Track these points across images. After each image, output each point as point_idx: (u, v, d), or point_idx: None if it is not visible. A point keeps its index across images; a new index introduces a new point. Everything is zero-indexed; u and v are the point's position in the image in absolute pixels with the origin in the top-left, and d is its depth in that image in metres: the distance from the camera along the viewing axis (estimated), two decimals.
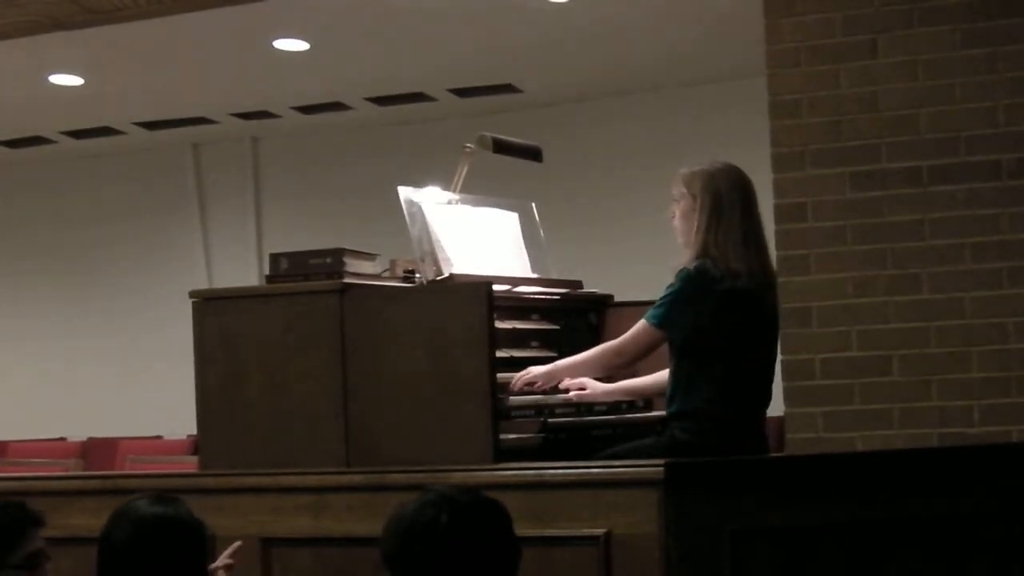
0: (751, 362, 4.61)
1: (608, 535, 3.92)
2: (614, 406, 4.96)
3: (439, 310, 4.40)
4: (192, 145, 12.06)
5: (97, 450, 10.57)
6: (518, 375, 4.70)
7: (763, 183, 5.47)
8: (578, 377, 4.76)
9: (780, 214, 6.13)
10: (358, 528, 4.16)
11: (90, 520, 3.73)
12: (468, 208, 5.06)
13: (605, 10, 8.62)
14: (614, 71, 10.06)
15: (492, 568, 2.86)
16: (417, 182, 4.99)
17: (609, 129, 10.71)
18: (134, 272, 12.21)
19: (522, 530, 2.98)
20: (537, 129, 8.43)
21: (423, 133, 10.99)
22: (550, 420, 4.65)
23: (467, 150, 5.02)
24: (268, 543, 4.31)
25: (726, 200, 4.61)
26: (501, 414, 4.43)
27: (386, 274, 4.91)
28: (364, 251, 4.84)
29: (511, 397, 4.64)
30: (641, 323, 4.60)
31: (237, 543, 3.90)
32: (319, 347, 4.50)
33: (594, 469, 4.08)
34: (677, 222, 4.69)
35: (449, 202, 4.99)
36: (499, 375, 4.43)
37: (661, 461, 3.97)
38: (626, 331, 4.67)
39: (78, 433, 11.41)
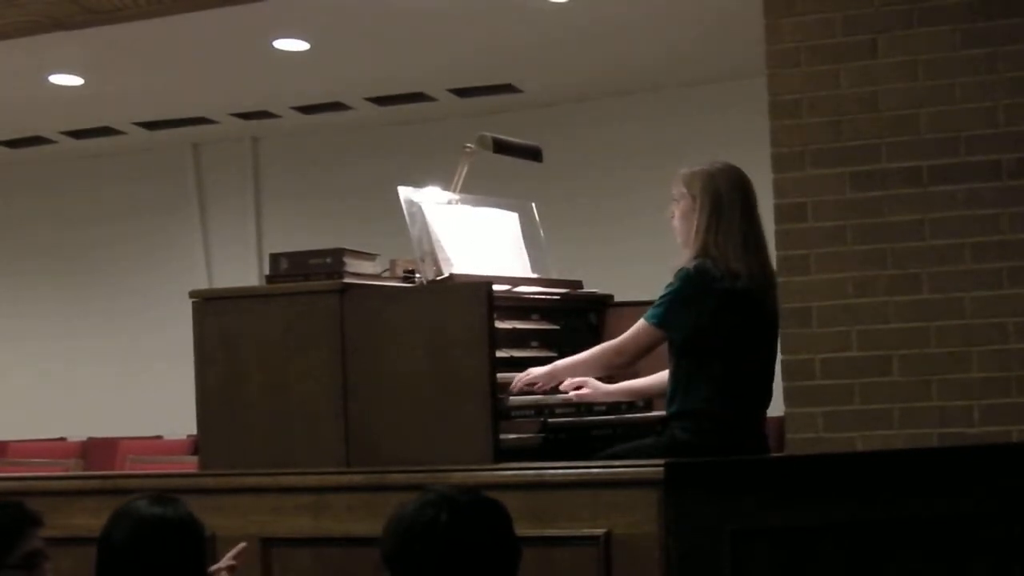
0: (751, 363, 4.61)
1: (608, 535, 3.92)
2: (614, 406, 4.96)
3: (439, 310, 4.40)
4: (192, 145, 12.06)
5: (97, 450, 10.57)
6: (519, 376, 4.70)
7: (763, 183, 5.47)
8: (578, 377, 4.76)
9: (780, 214, 6.13)
10: (358, 528, 4.16)
11: (90, 520, 3.73)
12: (468, 208, 5.06)
13: (605, 10, 8.62)
14: (614, 71, 10.06)
15: (492, 568, 2.86)
16: (417, 182, 4.99)
17: (609, 129, 10.71)
18: (134, 272, 12.21)
19: (522, 530, 2.98)
20: (537, 129, 8.43)
21: (423, 133, 10.99)
22: (550, 420, 4.65)
23: (467, 150, 5.02)
24: (268, 543, 4.31)
25: (726, 200, 4.60)
26: (501, 414, 4.43)
27: (386, 274, 4.91)
28: (364, 251, 4.84)
29: (511, 397, 4.64)
30: (640, 323, 4.60)
31: (242, 544, 3.90)
32: (319, 347, 4.50)
33: (594, 469, 4.08)
34: (676, 222, 4.69)
35: (449, 202, 4.99)
36: (499, 375, 4.43)
37: (661, 461, 3.96)
38: (626, 331, 4.67)
39: (78, 433, 11.41)
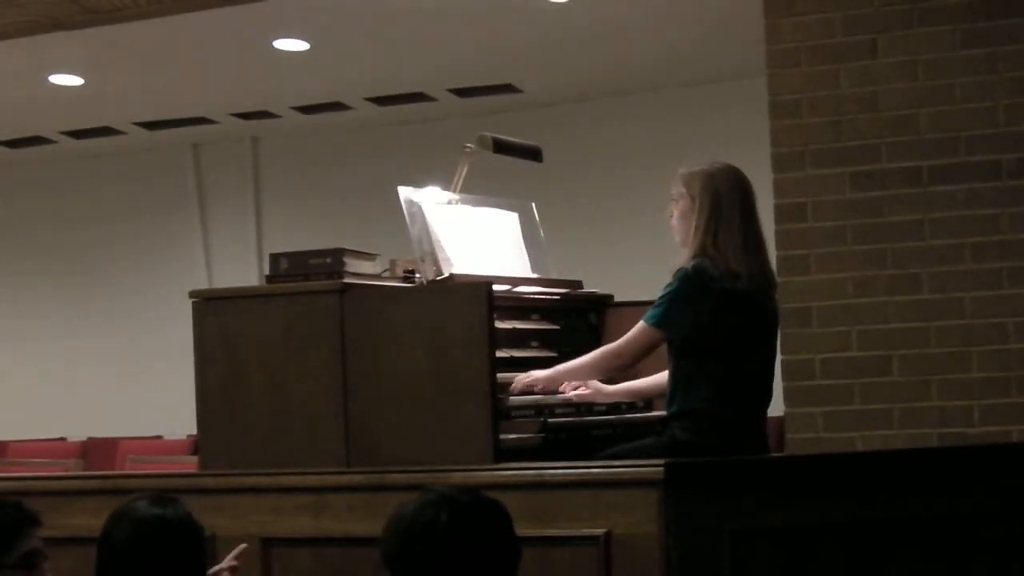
0: (751, 363, 4.61)
1: (608, 535, 3.92)
2: (614, 406, 4.95)
3: (439, 310, 4.39)
4: (192, 145, 12.06)
5: (97, 450, 10.57)
6: (520, 377, 4.70)
7: (763, 183, 5.47)
8: (579, 380, 4.76)
9: (780, 214, 6.14)
10: (358, 528, 4.16)
11: (90, 520, 3.73)
12: (468, 208, 5.06)
13: (605, 10, 8.62)
14: (614, 71, 10.06)
15: (492, 568, 2.86)
16: (417, 182, 4.98)
17: (609, 129, 10.71)
18: (134, 272, 12.21)
19: (522, 530, 2.98)
20: (537, 129, 8.43)
21: (423, 133, 10.99)
22: (550, 420, 4.65)
23: (467, 150, 5.02)
24: (268, 543, 4.31)
25: (725, 201, 4.60)
26: (501, 414, 4.43)
27: (386, 274, 4.90)
28: (364, 251, 4.83)
29: (511, 397, 4.63)
30: (640, 324, 4.60)
31: (242, 546, 3.90)
32: (319, 347, 4.49)
33: (594, 469, 4.08)
34: (675, 222, 4.69)
35: (449, 202, 4.99)
36: (499, 375, 4.43)
37: (661, 461, 3.96)
38: (626, 331, 4.67)
39: (78, 433, 11.41)
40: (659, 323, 4.54)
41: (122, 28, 8.36)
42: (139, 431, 11.04)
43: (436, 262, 4.71)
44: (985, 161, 5.87)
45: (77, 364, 12.20)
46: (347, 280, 4.58)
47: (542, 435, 4.51)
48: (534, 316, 5.03)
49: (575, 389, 4.80)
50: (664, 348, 4.65)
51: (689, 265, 4.56)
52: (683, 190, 4.66)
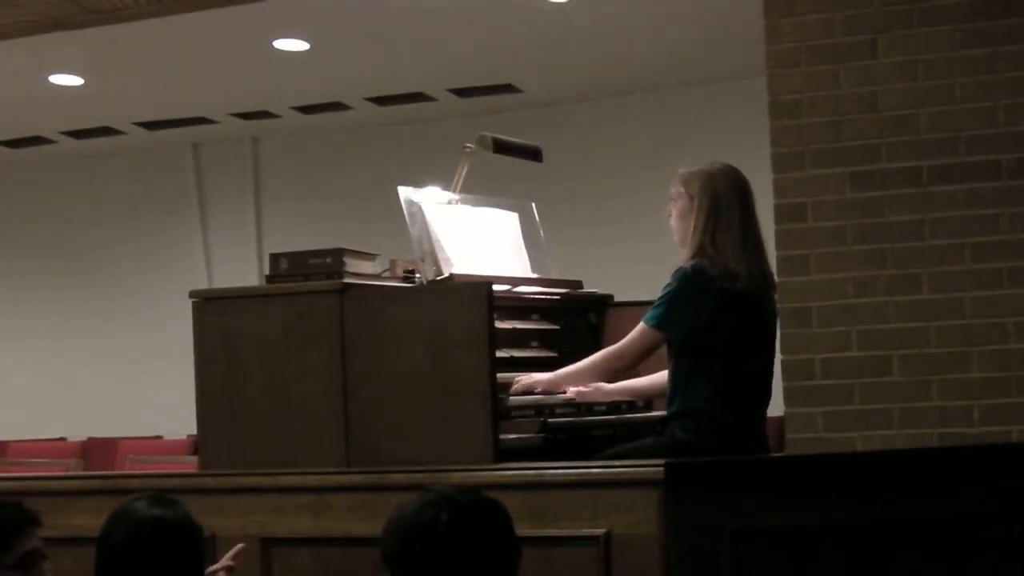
0: (750, 364, 4.60)
1: (608, 535, 3.92)
2: (614, 406, 4.95)
3: (439, 310, 4.39)
4: (192, 145, 12.06)
5: (97, 450, 10.57)
6: (521, 378, 4.70)
7: (763, 183, 5.48)
8: (580, 384, 4.76)
9: (780, 214, 6.15)
10: (358, 528, 4.16)
11: (90, 520, 3.73)
12: (468, 208, 5.06)
13: (605, 10, 8.62)
14: (614, 71, 10.06)
15: (492, 568, 2.86)
16: (417, 182, 4.98)
17: (609, 129, 10.71)
18: (134, 272, 12.21)
19: (522, 530, 2.98)
20: (537, 129, 8.43)
21: (423, 133, 10.99)
22: (550, 420, 4.64)
23: (467, 150, 5.02)
24: (268, 543, 4.30)
25: (724, 201, 4.59)
26: (501, 414, 4.43)
27: (386, 274, 4.90)
28: (364, 251, 4.83)
29: (511, 397, 4.63)
30: (640, 326, 4.59)
31: (240, 545, 3.90)
32: (319, 347, 4.49)
33: (594, 469, 4.07)
34: (674, 221, 4.69)
35: (449, 202, 4.99)
36: (499, 375, 4.43)
37: (661, 461, 3.96)
38: (626, 331, 4.67)
39: (78, 433, 11.41)
40: (659, 324, 4.54)
41: (122, 28, 8.36)
42: (139, 431, 11.04)
43: (436, 262, 4.71)
44: (985, 161, 5.88)
45: (77, 364, 12.20)
46: (347, 280, 4.58)
47: (542, 435, 4.51)
48: (534, 316, 5.03)
49: (575, 388, 4.79)
50: (664, 347, 4.65)
51: (688, 265, 4.55)
52: (682, 190, 4.66)
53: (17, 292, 12.61)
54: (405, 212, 4.75)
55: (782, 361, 6.01)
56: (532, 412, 4.64)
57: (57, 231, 12.46)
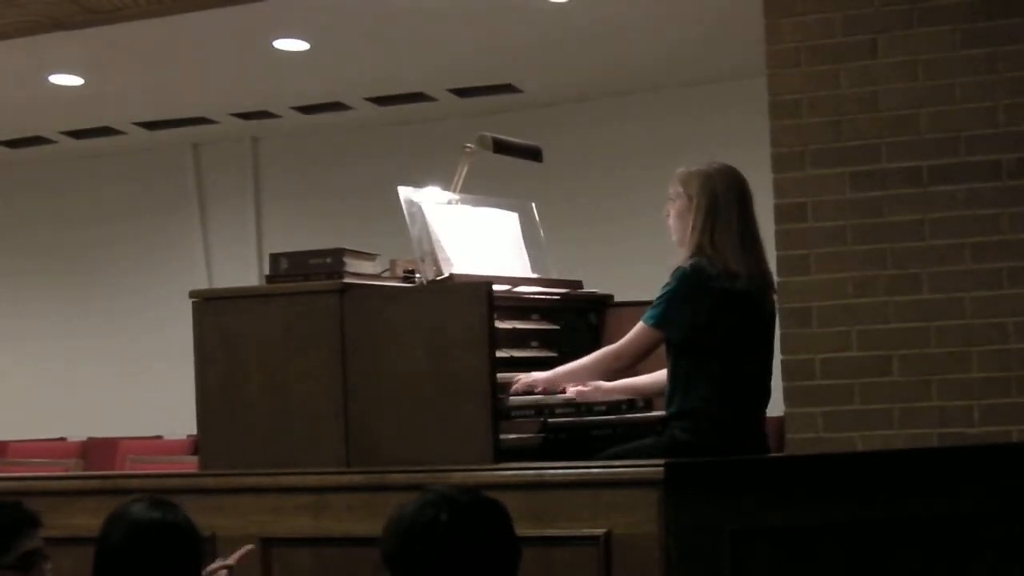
0: (749, 363, 4.60)
1: (608, 535, 3.92)
2: (614, 406, 4.95)
3: (439, 310, 4.39)
4: (192, 145, 12.06)
5: (97, 450, 10.57)
6: (520, 377, 4.70)
7: (763, 183, 5.48)
8: (578, 382, 4.76)
9: (780, 214, 6.14)
10: (358, 528, 4.16)
11: (90, 520, 3.73)
12: (468, 208, 5.06)
13: (605, 10, 8.62)
14: (614, 71, 10.06)
15: (492, 568, 2.86)
16: (417, 182, 4.98)
17: (609, 129, 10.71)
18: (134, 272, 12.21)
19: (522, 530, 2.98)
20: (537, 129, 8.43)
21: (423, 133, 10.99)
22: (550, 420, 4.65)
23: (467, 150, 5.02)
24: (268, 543, 4.31)
25: (722, 201, 4.59)
26: (501, 414, 4.43)
27: (386, 274, 4.90)
28: (364, 251, 4.83)
29: (511, 397, 4.63)
30: (639, 325, 4.59)
31: (248, 547, 3.90)
32: (319, 347, 4.49)
33: (594, 469, 4.08)
34: (672, 221, 4.69)
35: (449, 202, 4.99)
36: (499, 375, 4.43)
37: (661, 461, 3.96)
38: (626, 331, 4.67)
39: (78, 433, 11.41)
40: (658, 323, 4.54)
41: (122, 28, 8.36)
42: (139, 431, 11.04)
43: (436, 262, 4.71)
44: (985, 161, 5.87)
45: (77, 364, 12.20)
46: (347, 280, 4.58)
47: (542, 435, 4.51)
48: (534, 316, 5.03)
49: (575, 386, 4.79)
50: (663, 346, 4.65)
51: (687, 264, 4.55)
52: (680, 189, 4.66)
53: (17, 292, 12.61)
54: (405, 212, 4.75)
55: (782, 361, 6.01)
56: (532, 412, 4.65)
57: (57, 231, 12.46)
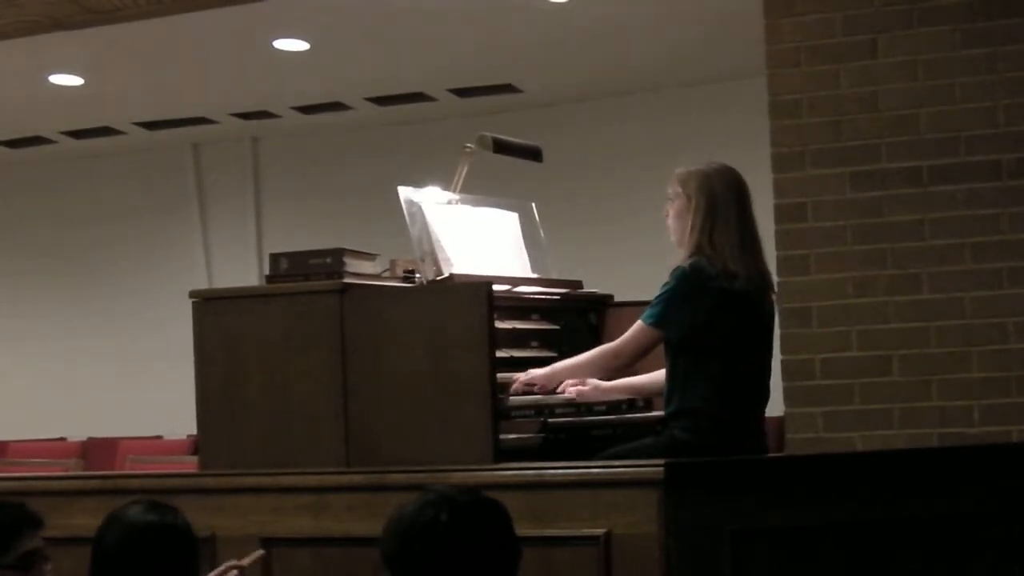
0: (748, 363, 4.60)
1: (608, 535, 3.92)
2: (614, 406, 4.95)
3: (439, 310, 4.39)
4: (192, 145, 12.06)
5: (97, 450, 10.58)
6: (518, 376, 4.70)
7: (763, 183, 5.47)
8: (576, 378, 4.76)
9: (780, 214, 6.14)
10: (358, 528, 4.16)
11: (90, 520, 3.73)
12: (468, 208, 5.06)
13: (605, 10, 8.62)
14: (614, 71, 10.06)
15: (492, 568, 2.86)
16: (417, 182, 4.98)
17: (609, 129, 10.71)
18: (134, 272, 12.21)
19: (522, 530, 2.98)
20: (537, 129, 8.43)
21: (423, 133, 10.99)
22: (550, 420, 4.65)
23: (467, 150, 5.02)
24: (268, 543, 4.30)
25: (721, 201, 4.59)
26: (501, 414, 4.43)
27: (386, 274, 4.90)
28: (364, 251, 4.83)
29: (511, 397, 4.63)
30: (638, 324, 4.59)
31: (260, 552, 3.90)
32: (319, 347, 4.49)
33: (594, 469, 4.08)
34: (671, 221, 4.69)
35: (449, 202, 4.99)
36: (499, 375, 4.43)
37: (661, 461, 3.96)
38: (626, 331, 4.67)
39: (78, 433, 11.42)
40: (657, 322, 4.54)
41: (122, 28, 8.36)
42: (139, 431, 11.04)
43: (436, 262, 4.71)
44: (985, 161, 5.88)
45: (77, 364, 12.20)
46: (347, 280, 4.58)
47: (542, 435, 4.51)
48: (534, 316, 5.03)
49: (574, 386, 4.79)
50: (661, 345, 4.65)
51: (686, 264, 4.56)
52: (679, 189, 4.66)
53: (17, 292, 12.61)
54: (405, 212, 4.75)
55: (782, 361, 6.01)
56: (532, 412, 4.65)
57: (57, 231, 12.46)
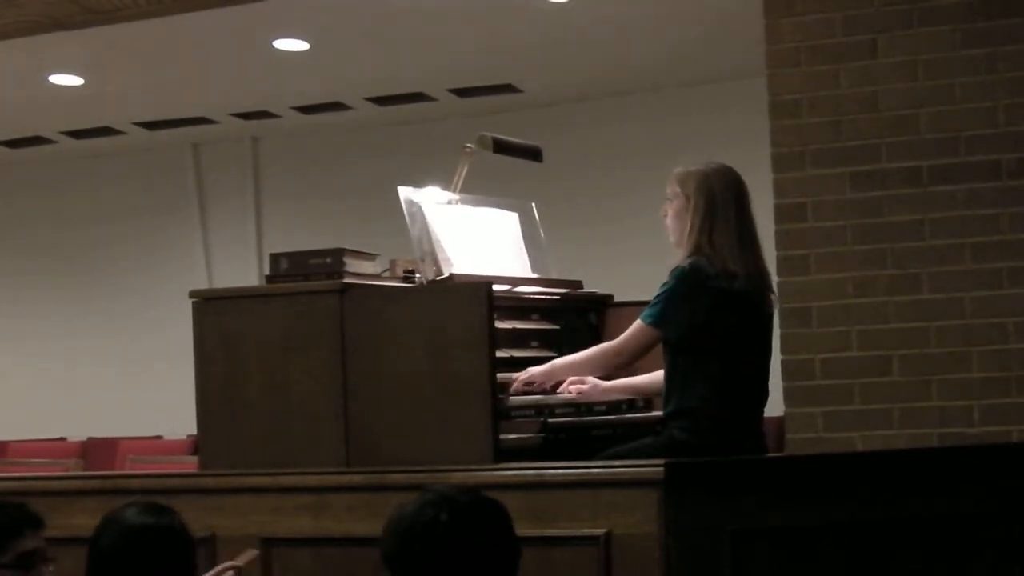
0: (747, 363, 4.60)
1: (608, 535, 3.92)
2: (614, 406, 4.95)
3: (439, 310, 4.39)
4: (192, 145, 12.06)
5: (97, 450, 10.58)
6: (518, 375, 4.70)
7: (763, 183, 5.48)
8: (575, 375, 4.76)
9: (780, 214, 6.15)
10: (358, 528, 4.16)
11: (90, 520, 3.73)
12: (468, 208, 5.06)
13: (605, 10, 8.62)
14: (614, 71, 10.06)
15: (492, 568, 2.86)
16: (417, 182, 4.98)
17: (609, 129, 10.71)
18: (134, 272, 12.21)
19: (522, 530, 2.98)
20: (537, 129, 8.43)
21: (423, 133, 10.99)
22: (550, 420, 4.65)
23: (467, 150, 5.02)
24: (268, 543, 4.30)
25: (720, 201, 4.59)
26: (501, 414, 4.43)
27: (386, 274, 4.90)
28: (364, 251, 4.83)
29: (511, 397, 4.63)
30: (637, 323, 4.59)
31: (254, 552, 3.90)
32: (319, 347, 4.49)
33: (594, 469, 4.08)
34: (669, 221, 4.69)
35: (449, 202, 4.99)
36: (499, 375, 4.43)
37: (661, 461, 3.96)
38: (626, 331, 4.67)
39: (78, 433, 11.41)
40: (656, 322, 4.54)
41: (122, 28, 8.36)
42: (139, 431, 11.04)
43: (436, 262, 4.71)
44: (985, 161, 5.88)
45: (77, 364, 12.20)
46: (347, 280, 4.58)
47: (542, 435, 4.51)
48: (534, 316, 5.03)
49: (575, 385, 4.79)
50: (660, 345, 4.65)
51: (686, 263, 4.55)
52: (678, 189, 4.66)
53: (17, 292, 12.61)
54: (405, 212, 4.75)
55: (782, 361, 6.01)
56: (532, 412, 4.65)
57: (57, 231, 12.46)
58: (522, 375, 4.69)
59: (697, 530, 3.84)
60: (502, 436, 4.36)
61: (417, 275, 4.78)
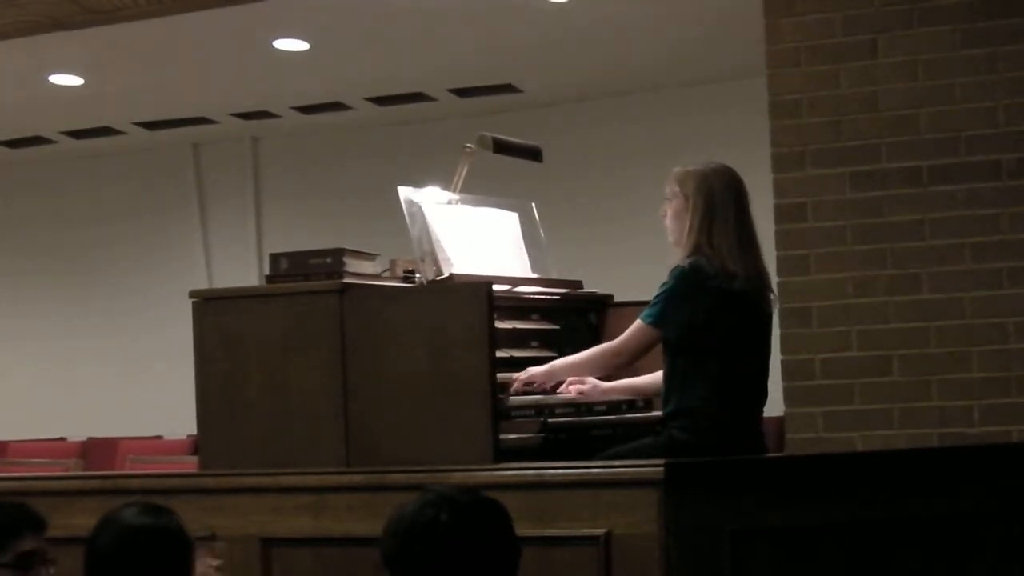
0: (747, 363, 4.60)
1: (608, 535, 3.92)
2: (614, 406, 4.95)
3: (439, 310, 4.39)
4: (192, 145, 12.06)
5: (97, 450, 10.57)
6: (517, 376, 4.70)
7: (763, 183, 5.48)
8: (574, 375, 4.76)
9: (780, 214, 6.15)
10: (358, 528, 4.16)
11: (90, 520, 3.73)
12: (468, 208, 5.06)
13: (605, 10, 8.62)
14: (614, 71, 10.06)
15: (492, 568, 2.86)
16: (417, 182, 4.98)
17: (609, 129, 10.71)
18: (134, 272, 12.21)
19: (522, 530, 2.98)
20: (537, 129, 8.43)
21: (423, 133, 10.98)
22: (550, 420, 4.65)
23: (467, 150, 5.02)
24: (268, 543, 4.31)
25: (719, 200, 4.59)
26: (501, 414, 4.43)
27: (386, 274, 4.90)
28: (364, 251, 4.84)
29: (511, 397, 4.63)
30: (637, 323, 4.59)
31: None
32: (319, 347, 4.49)
33: (594, 469, 4.08)
34: (669, 221, 4.69)
35: (449, 202, 4.99)
36: (499, 375, 4.43)
37: (661, 461, 3.96)
38: (626, 331, 4.67)
39: (78, 433, 11.41)
40: (656, 322, 4.54)
41: (122, 28, 8.36)
42: (139, 431, 11.04)
43: (436, 262, 4.71)
44: (985, 161, 5.88)
45: (77, 364, 12.20)
46: (347, 280, 4.58)
47: (542, 435, 4.51)
48: (534, 316, 5.03)
49: (575, 386, 4.79)
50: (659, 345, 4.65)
51: (685, 263, 4.55)
52: (677, 189, 4.66)
53: (17, 292, 12.61)
54: (405, 212, 4.75)
55: (782, 361, 6.01)
56: (532, 412, 4.65)
57: (57, 231, 12.46)
58: (522, 375, 4.69)
59: (697, 530, 3.84)
60: (502, 436, 4.36)
61: (417, 275, 4.78)
